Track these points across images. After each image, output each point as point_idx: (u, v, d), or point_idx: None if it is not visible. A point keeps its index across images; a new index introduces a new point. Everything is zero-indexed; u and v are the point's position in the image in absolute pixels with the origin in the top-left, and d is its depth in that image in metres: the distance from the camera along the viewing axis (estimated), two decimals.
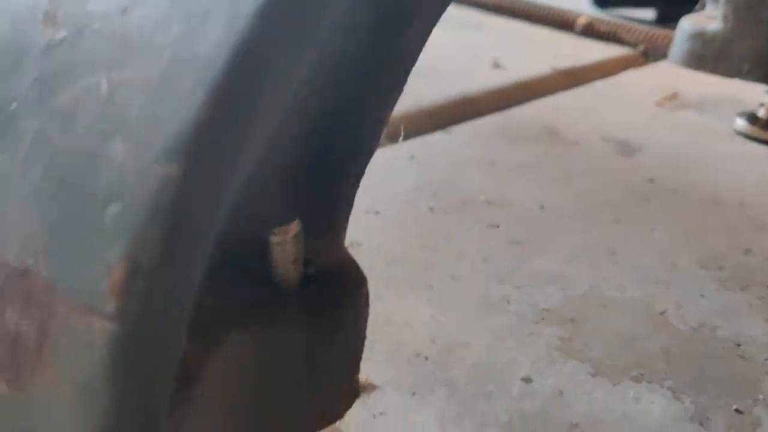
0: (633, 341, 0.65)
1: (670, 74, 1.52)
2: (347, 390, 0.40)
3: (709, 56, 1.18)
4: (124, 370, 0.25)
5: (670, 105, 1.38)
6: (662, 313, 0.70)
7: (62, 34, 0.27)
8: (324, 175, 0.41)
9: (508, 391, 0.58)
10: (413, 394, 0.56)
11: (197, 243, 0.24)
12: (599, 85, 1.45)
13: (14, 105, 0.27)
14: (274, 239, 0.37)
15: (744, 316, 0.71)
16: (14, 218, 0.27)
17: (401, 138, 0.94)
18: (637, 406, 0.57)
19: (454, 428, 0.53)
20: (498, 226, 0.84)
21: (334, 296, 0.38)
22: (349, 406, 0.40)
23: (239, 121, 0.23)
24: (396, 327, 0.64)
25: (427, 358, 0.60)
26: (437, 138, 1.08)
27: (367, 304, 0.39)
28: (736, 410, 0.58)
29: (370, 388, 0.40)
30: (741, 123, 1.26)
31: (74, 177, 0.25)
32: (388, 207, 0.83)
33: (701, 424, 0.56)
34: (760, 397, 0.60)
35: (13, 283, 0.27)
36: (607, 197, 0.95)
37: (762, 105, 1.26)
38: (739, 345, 0.67)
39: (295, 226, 0.37)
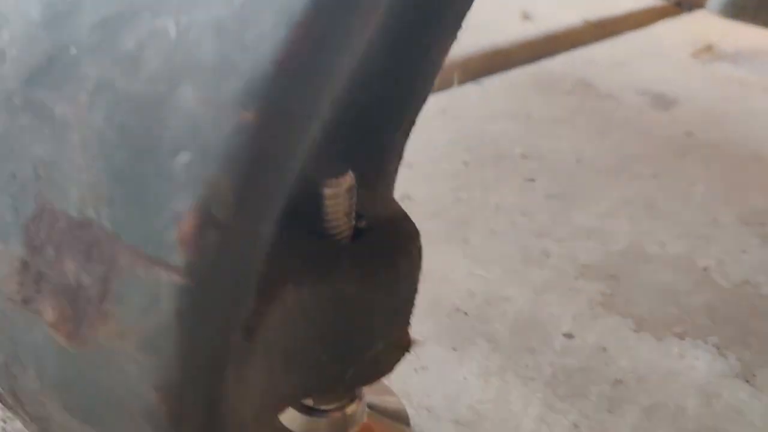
0: (675, 297, 0.64)
1: (704, 25, 1.48)
2: (398, 343, 0.39)
3: (750, 5, 1.14)
4: (192, 325, 0.24)
5: (706, 57, 1.34)
6: (704, 269, 0.69)
7: None
8: (377, 124, 0.40)
9: (550, 345, 0.57)
10: (454, 348, 0.56)
11: (272, 194, 0.23)
12: (632, 37, 1.41)
13: (74, 50, 0.26)
14: (328, 191, 0.36)
15: None
16: (74, 168, 0.26)
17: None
18: (681, 362, 0.57)
19: (498, 381, 0.53)
20: (534, 180, 0.82)
21: (388, 250, 0.37)
22: (399, 359, 0.40)
23: (321, 63, 0.22)
24: (434, 282, 0.63)
25: (466, 313, 0.60)
26: (469, 90, 1.06)
27: (420, 257, 0.38)
28: None
29: (412, 340, 0.39)
30: None
31: (140, 125, 0.24)
32: (421, 161, 0.82)
33: (747, 380, 0.55)
34: None
35: (73, 235, 0.26)
36: (644, 151, 0.93)
37: None
38: None
39: (348, 179, 0.36)
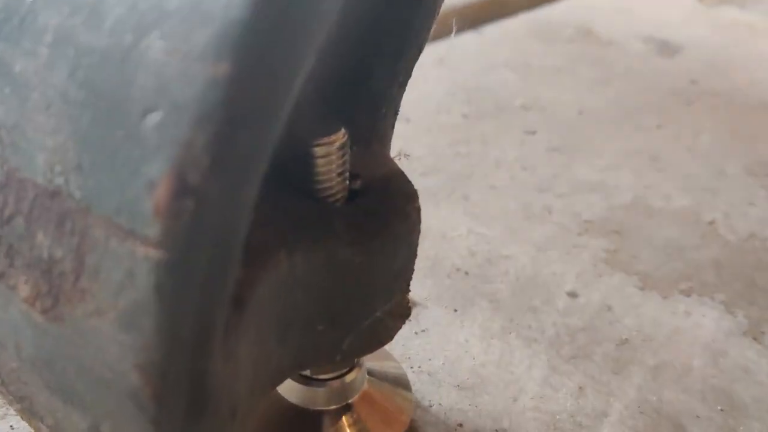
0: (681, 253, 0.63)
1: None
2: (398, 310, 0.37)
3: None
4: (171, 301, 0.22)
5: (711, 1, 1.30)
6: (710, 222, 0.67)
7: None
8: (371, 76, 0.37)
9: (554, 305, 0.55)
10: (455, 310, 0.54)
11: (253, 155, 0.21)
12: None
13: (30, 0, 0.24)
14: (319, 151, 0.33)
15: None
16: (39, 131, 0.24)
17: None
18: (688, 320, 0.55)
19: (500, 343, 0.51)
20: (535, 133, 0.80)
21: (384, 212, 0.35)
22: (400, 326, 0.38)
23: (302, 4, 0.19)
24: (433, 240, 0.61)
25: (467, 273, 0.58)
26: (467, 39, 1.02)
27: (419, 219, 0.36)
28: None
29: (411, 304, 0.37)
30: None
31: (106, 82, 0.22)
32: (419, 114, 0.79)
33: (755, 338, 0.54)
34: None
35: (43, 205, 0.24)
36: (648, 101, 0.90)
37: None
38: None
39: (340, 136, 0.34)
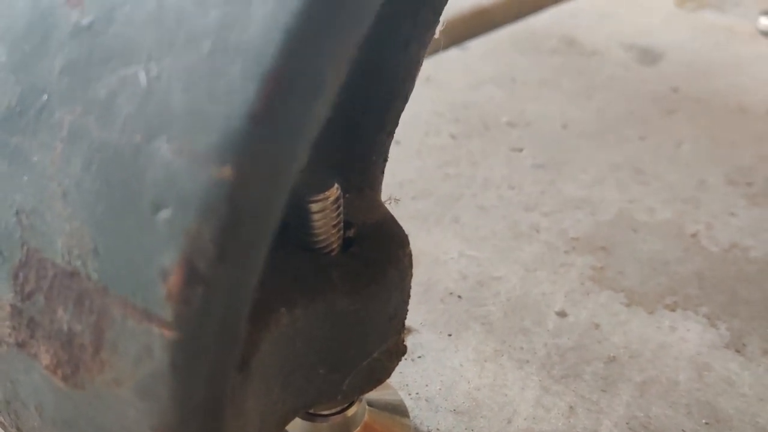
0: (665, 267, 0.65)
1: None
2: (394, 349, 0.39)
3: None
4: (186, 374, 0.24)
5: (690, 5, 1.33)
6: (693, 235, 0.69)
7: (89, 18, 0.25)
8: (360, 126, 0.40)
9: (544, 325, 0.57)
10: (449, 334, 0.56)
11: (255, 244, 0.23)
12: None
13: (45, 96, 0.26)
14: (314, 207, 0.35)
15: None
16: (57, 217, 0.26)
17: None
18: (673, 335, 0.57)
19: (493, 366, 0.53)
20: (521, 150, 0.82)
21: (378, 259, 0.37)
22: (396, 364, 0.40)
23: (295, 112, 0.21)
24: (426, 265, 0.63)
25: (460, 297, 0.60)
26: (453, 55, 1.04)
27: (410, 264, 0.38)
28: None
29: (406, 331, 0.39)
30: (765, 22, 1.21)
31: (119, 175, 0.24)
32: (409, 136, 0.81)
33: (737, 351, 0.56)
34: None
35: (63, 283, 0.26)
36: (631, 111, 0.93)
37: None
38: None
39: (334, 190, 0.36)
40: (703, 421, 0.50)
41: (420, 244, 0.65)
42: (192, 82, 0.22)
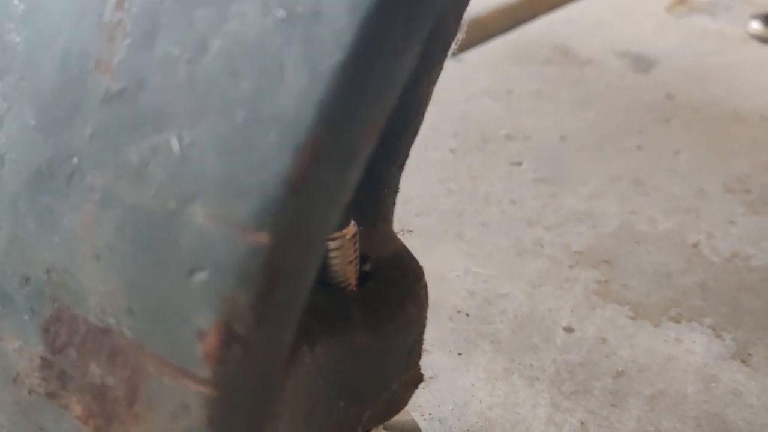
0: (669, 278, 0.66)
1: None
2: (411, 379, 0.40)
3: None
4: (223, 429, 0.25)
5: (681, 10, 1.34)
6: (695, 245, 0.70)
7: (120, 84, 0.25)
8: (373, 161, 0.40)
9: (552, 341, 0.58)
10: (459, 354, 0.57)
11: (290, 305, 0.23)
12: None
13: (75, 159, 0.26)
14: (333, 244, 0.36)
15: None
16: (89, 277, 0.26)
17: None
18: (679, 347, 0.58)
19: (504, 385, 0.54)
20: (521, 163, 0.83)
21: (396, 295, 0.37)
22: (413, 392, 0.41)
23: (330, 180, 0.22)
24: (433, 283, 0.64)
25: (468, 315, 0.61)
26: (449, 68, 1.05)
27: (427, 297, 0.39)
28: None
29: (422, 376, 0.41)
30: (755, 26, 1.23)
31: (153, 240, 0.24)
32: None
33: (743, 361, 0.57)
34: None
35: (95, 340, 0.27)
36: (627, 120, 0.94)
37: None
38: None
39: (351, 227, 0.37)
40: None
41: (425, 261, 0.66)
42: (226, 151, 0.23)
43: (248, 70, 0.23)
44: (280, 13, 0.23)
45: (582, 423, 0.51)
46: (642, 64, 1.10)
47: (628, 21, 1.26)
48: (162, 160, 0.24)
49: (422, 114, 0.42)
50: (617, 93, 1.01)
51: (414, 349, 0.39)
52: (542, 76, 1.04)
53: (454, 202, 0.75)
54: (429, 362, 0.56)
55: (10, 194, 0.29)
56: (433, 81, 0.42)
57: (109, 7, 0.27)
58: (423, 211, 0.73)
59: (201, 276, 0.23)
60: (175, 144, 0.24)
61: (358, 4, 0.22)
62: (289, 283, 0.23)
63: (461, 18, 0.40)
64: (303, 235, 0.22)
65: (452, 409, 0.52)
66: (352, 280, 0.37)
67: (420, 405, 0.52)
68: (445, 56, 0.41)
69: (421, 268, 0.39)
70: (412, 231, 0.43)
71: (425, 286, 0.38)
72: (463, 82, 1.01)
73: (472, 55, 1.09)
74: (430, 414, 0.52)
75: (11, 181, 0.29)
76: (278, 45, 0.23)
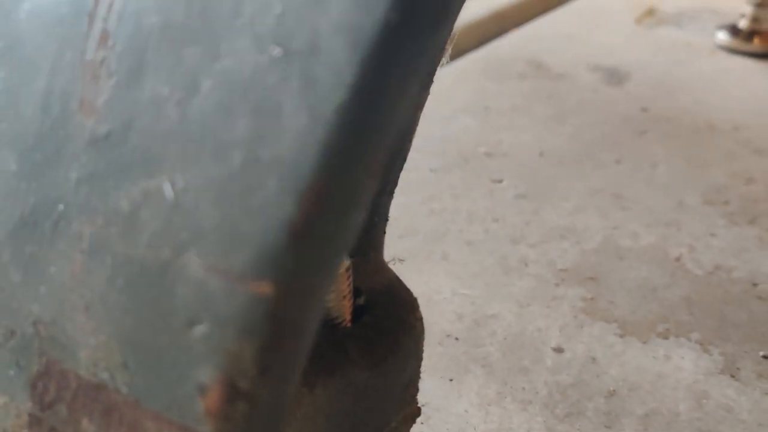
0: (654, 293, 0.66)
1: None
2: (410, 414, 0.39)
3: None
4: None
5: (649, 21, 1.36)
6: (677, 258, 0.71)
7: (106, 126, 0.24)
8: None
9: (542, 362, 0.58)
10: (450, 379, 0.56)
11: (295, 356, 0.22)
12: (575, 6, 1.42)
13: (61, 206, 0.25)
14: None
15: (756, 252, 0.72)
16: (79, 330, 0.25)
17: None
18: (668, 364, 0.58)
19: (498, 410, 0.54)
20: (502, 181, 0.83)
21: (392, 328, 0.36)
22: (411, 427, 0.40)
23: (333, 224, 0.21)
24: (421, 307, 0.63)
25: (457, 338, 0.60)
26: None
27: (422, 329, 0.38)
28: (764, 356, 0.59)
29: (420, 410, 0.40)
30: (722, 36, 1.25)
31: (147, 289, 0.23)
32: None
33: (732, 375, 0.57)
34: None
35: (88, 395, 0.26)
36: (604, 134, 0.94)
37: (742, 16, 1.24)
38: (755, 285, 0.68)
39: (344, 262, 0.36)
40: None
41: (412, 284, 0.65)
42: (223, 196, 0.22)
43: (243, 111, 0.22)
44: (276, 51, 0.22)
45: None
46: (614, 77, 1.11)
47: (598, 34, 1.27)
48: (154, 206, 0.23)
49: (411, 141, 0.41)
50: (592, 106, 1.02)
51: (411, 383, 0.38)
52: (517, 92, 1.05)
53: (437, 222, 0.75)
54: (421, 389, 0.55)
55: None
56: (421, 107, 0.41)
57: (92, 44, 0.26)
58: (407, 233, 0.72)
59: (200, 329, 0.22)
60: (167, 190, 0.23)
61: (359, 39, 0.21)
62: (293, 334, 0.22)
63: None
64: (307, 283, 0.21)
65: None
66: (347, 315, 0.36)
67: None
68: (432, 81, 0.41)
69: (415, 299, 0.38)
70: (403, 260, 0.42)
71: (420, 318, 0.38)
72: (439, 101, 1.01)
73: (446, 72, 1.09)
74: None
75: None
76: (274, 84, 0.22)
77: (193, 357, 0.22)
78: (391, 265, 0.41)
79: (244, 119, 0.22)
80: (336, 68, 0.21)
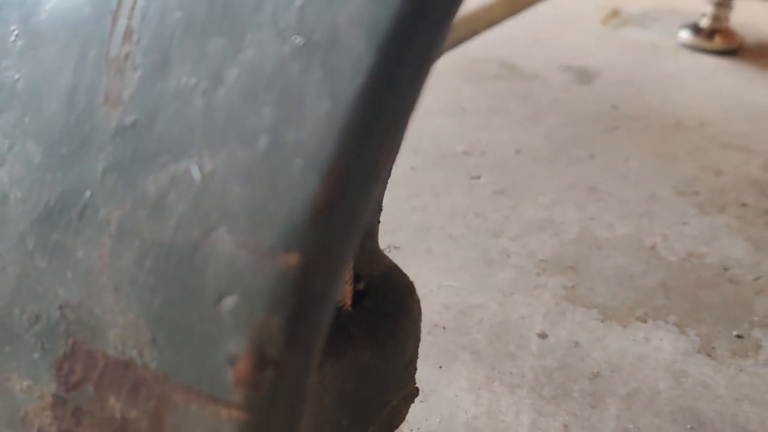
0: (631, 280, 0.68)
1: None
2: (409, 393, 0.41)
3: None
4: None
5: (614, 22, 1.40)
6: (652, 247, 0.73)
7: (132, 116, 0.26)
8: None
9: (528, 348, 0.60)
10: (440, 366, 0.58)
11: (320, 326, 0.24)
12: (543, 8, 1.45)
13: (88, 193, 0.26)
14: None
15: (726, 239, 0.75)
16: (107, 310, 0.26)
17: None
18: (648, 345, 0.61)
19: (487, 393, 0.56)
20: (480, 177, 0.85)
21: (392, 311, 0.38)
22: (409, 407, 0.42)
23: (354, 200, 0.23)
24: None
25: (444, 328, 0.62)
26: None
27: (419, 310, 0.40)
28: (737, 336, 0.62)
29: (418, 390, 0.42)
30: (685, 35, 1.29)
31: (176, 268, 0.25)
32: None
33: (708, 354, 0.60)
34: (755, 318, 0.64)
35: (115, 373, 0.27)
36: (577, 131, 0.97)
37: (703, 15, 1.29)
38: (726, 269, 0.71)
39: None
40: (688, 426, 0.53)
41: None
42: (250, 178, 0.23)
43: (268, 99, 0.24)
44: (298, 40, 0.24)
45: (565, 426, 0.53)
46: (584, 76, 1.15)
47: (566, 35, 1.31)
48: (182, 189, 0.25)
49: (404, 134, 0.43)
50: (564, 105, 1.05)
51: (411, 363, 0.39)
52: (492, 92, 1.07)
53: (420, 218, 0.77)
54: None
55: (17, 233, 0.28)
56: (412, 111, 0.43)
57: (116, 41, 0.27)
58: (392, 229, 0.74)
59: (230, 302, 0.24)
60: (195, 172, 0.24)
61: (375, 29, 0.23)
62: (318, 304, 0.23)
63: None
64: (331, 256, 0.23)
65: (439, 421, 0.53)
66: (348, 300, 0.38)
67: (408, 420, 0.53)
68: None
69: (411, 282, 0.40)
70: (398, 247, 0.44)
71: (418, 301, 0.39)
72: None
73: None
74: (418, 428, 0.53)
75: (17, 219, 0.28)
76: (297, 72, 0.24)
77: (223, 329, 0.24)
78: (386, 252, 0.43)
79: (268, 106, 0.24)
80: (355, 56, 0.23)
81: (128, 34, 0.27)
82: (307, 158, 0.23)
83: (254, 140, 0.24)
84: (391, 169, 0.24)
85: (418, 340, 0.40)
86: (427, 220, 0.77)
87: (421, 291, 0.66)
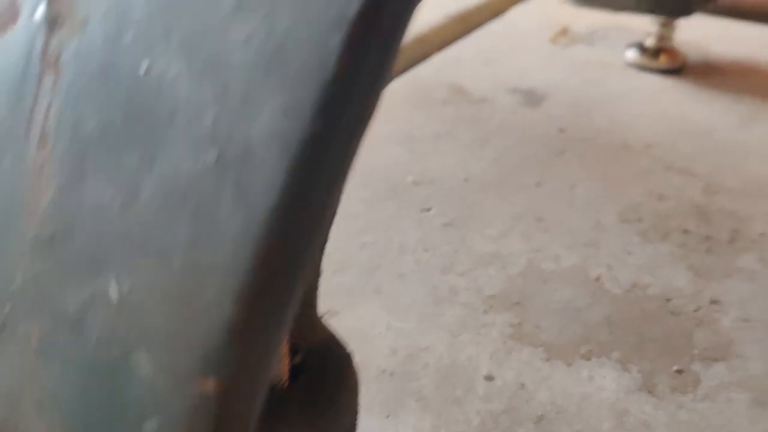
0: (577, 314, 0.70)
1: (555, 6, 1.55)
2: None
3: None
4: None
5: (563, 41, 1.42)
6: (597, 279, 0.75)
7: (49, 230, 0.25)
8: None
9: (474, 392, 0.61)
10: (387, 416, 0.58)
11: None
12: (493, 27, 1.47)
13: (7, 308, 0.26)
14: None
15: (668, 268, 0.77)
16: (30, 427, 0.26)
17: None
18: (591, 384, 0.62)
19: None
20: (430, 209, 0.85)
21: (329, 386, 0.38)
22: None
23: (271, 321, 0.23)
24: (356, 343, 0.65)
25: (392, 374, 0.62)
26: None
27: (357, 381, 0.40)
28: (677, 371, 0.64)
29: None
30: (631, 54, 1.31)
31: (98, 389, 0.24)
32: None
33: (650, 392, 0.61)
34: (695, 351, 0.66)
35: None
36: (524, 156, 0.98)
37: (649, 34, 1.31)
38: (668, 300, 0.72)
39: None
40: None
41: (346, 320, 0.67)
42: (166, 298, 0.23)
43: (183, 216, 0.24)
44: (210, 156, 0.24)
45: None
46: (532, 98, 1.16)
47: (515, 55, 1.32)
48: (101, 308, 0.24)
49: (341, 191, 0.43)
50: (512, 129, 1.06)
51: (350, 429, 0.40)
52: (440, 118, 1.08)
53: (369, 255, 0.77)
54: (359, 428, 0.57)
55: None
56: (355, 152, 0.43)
57: (32, 146, 0.27)
58: (340, 268, 0.74)
59: (150, 426, 0.24)
60: (113, 291, 0.24)
61: (288, 144, 0.23)
62: (237, 424, 0.23)
63: None
64: (250, 380, 0.23)
65: None
66: (284, 376, 0.38)
67: None
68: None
69: (350, 354, 0.40)
70: (338, 312, 0.44)
71: (355, 373, 0.39)
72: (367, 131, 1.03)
73: None
74: None
75: None
76: (211, 190, 0.24)
77: None
78: (326, 318, 0.43)
79: (183, 224, 0.24)
80: (267, 173, 0.23)
81: (43, 139, 0.26)
82: (221, 281, 0.23)
83: (170, 260, 0.23)
84: (308, 278, 0.24)
85: (356, 413, 0.40)
86: (376, 257, 0.77)
87: (369, 333, 0.67)
